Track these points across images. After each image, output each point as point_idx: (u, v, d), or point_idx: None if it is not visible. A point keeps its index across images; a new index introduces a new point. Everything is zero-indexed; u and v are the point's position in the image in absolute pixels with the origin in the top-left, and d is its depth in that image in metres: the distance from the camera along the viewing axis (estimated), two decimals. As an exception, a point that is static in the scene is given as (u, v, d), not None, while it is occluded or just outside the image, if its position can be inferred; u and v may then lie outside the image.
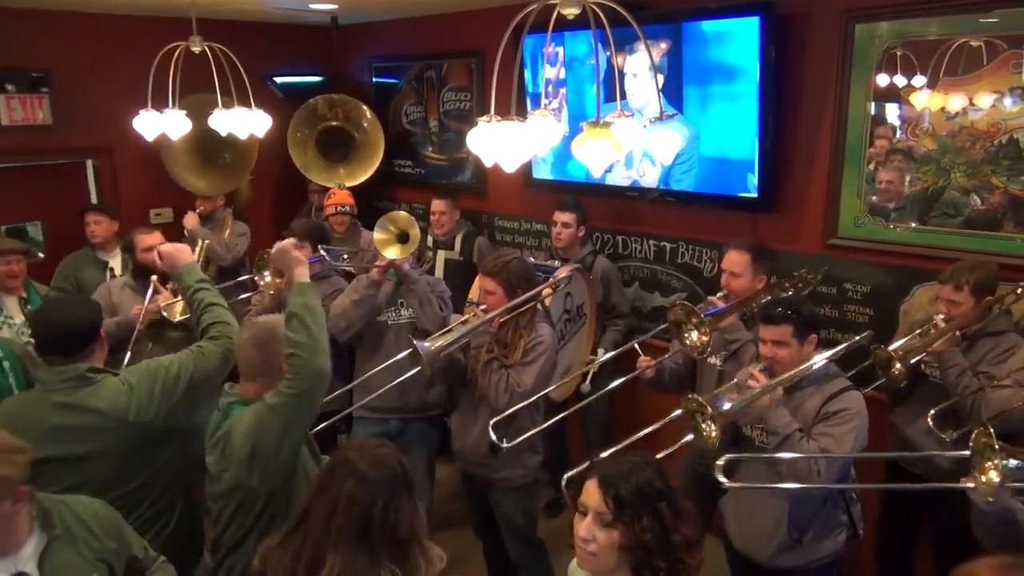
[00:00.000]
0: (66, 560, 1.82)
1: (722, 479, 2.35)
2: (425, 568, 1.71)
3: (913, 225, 3.27)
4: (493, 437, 2.85)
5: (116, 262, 4.36)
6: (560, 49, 4.15)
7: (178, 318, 3.45)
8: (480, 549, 3.52)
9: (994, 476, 1.79)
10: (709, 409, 2.36)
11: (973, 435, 1.86)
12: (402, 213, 3.50)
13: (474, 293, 3.68)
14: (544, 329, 3.04)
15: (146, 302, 3.48)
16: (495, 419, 2.87)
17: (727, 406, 2.40)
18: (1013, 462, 1.79)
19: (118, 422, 2.24)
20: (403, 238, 3.42)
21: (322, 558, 1.64)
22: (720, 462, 2.36)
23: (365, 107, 5.36)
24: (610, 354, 3.42)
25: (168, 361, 2.42)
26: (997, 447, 1.78)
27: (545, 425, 3.00)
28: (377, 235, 3.40)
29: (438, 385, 3.55)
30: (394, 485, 1.70)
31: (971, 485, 1.86)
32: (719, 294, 3.13)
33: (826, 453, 2.37)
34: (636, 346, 3.11)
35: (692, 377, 3.23)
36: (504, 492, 3.13)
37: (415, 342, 2.84)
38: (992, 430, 1.83)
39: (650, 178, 4.00)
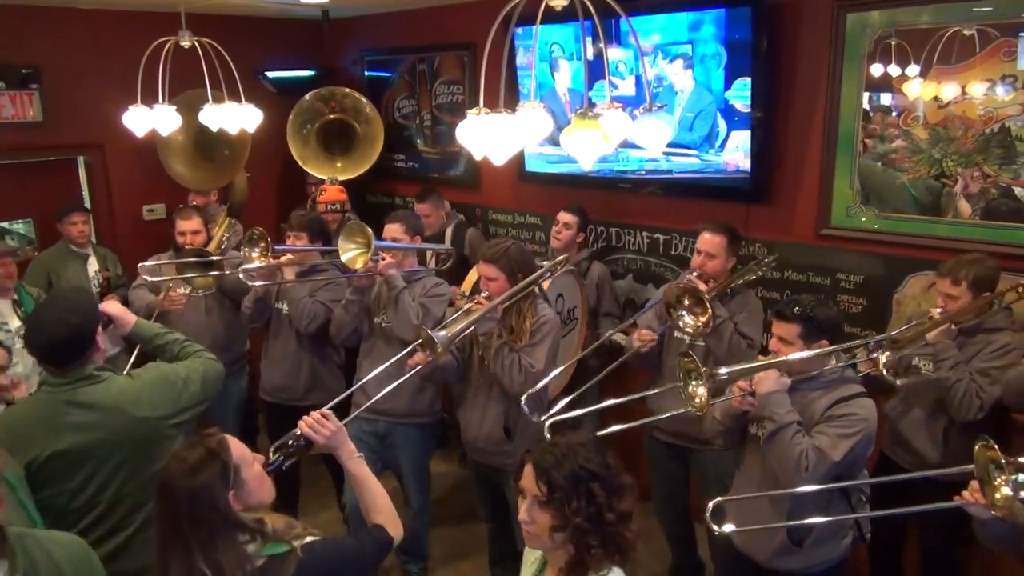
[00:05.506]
0: None
1: (714, 527, 2.42)
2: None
3: (905, 215, 3.27)
4: (527, 410, 2.87)
5: (92, 257, 4.37)
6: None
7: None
8: (478, 545, 3.53)
9: (1007, 491, 1.73)
10: (703, 369, 2.37)
11: (976, 450, 1.78)
12: (353, 224, 3.40)
13: (467, 285, 3.65)
14: (546, 309, 3.08)
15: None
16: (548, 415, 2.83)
17: (722, 371, 2.44)
18: (1022, 476, 1.72)
19: (126, 417, 2.27)
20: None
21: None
22: (711, 504, 2.42)
23: (365, 100, 5.30)
24: (613, 331, 3.61)
25: (176, 366, 2.48)
26: (1004, 462, 1.71)
27: (591, 409, 3.03)
28: (347, 255, 3.29)
29: (430, 386, 3.46)
30: (209, 479, 1.64)
31: (981, 500, 1.82)
32: (694, 274, 3.16)
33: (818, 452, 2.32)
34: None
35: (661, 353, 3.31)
36: None
37: (429, 332, 2.81)
38: (994, 443, 1.76)
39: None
